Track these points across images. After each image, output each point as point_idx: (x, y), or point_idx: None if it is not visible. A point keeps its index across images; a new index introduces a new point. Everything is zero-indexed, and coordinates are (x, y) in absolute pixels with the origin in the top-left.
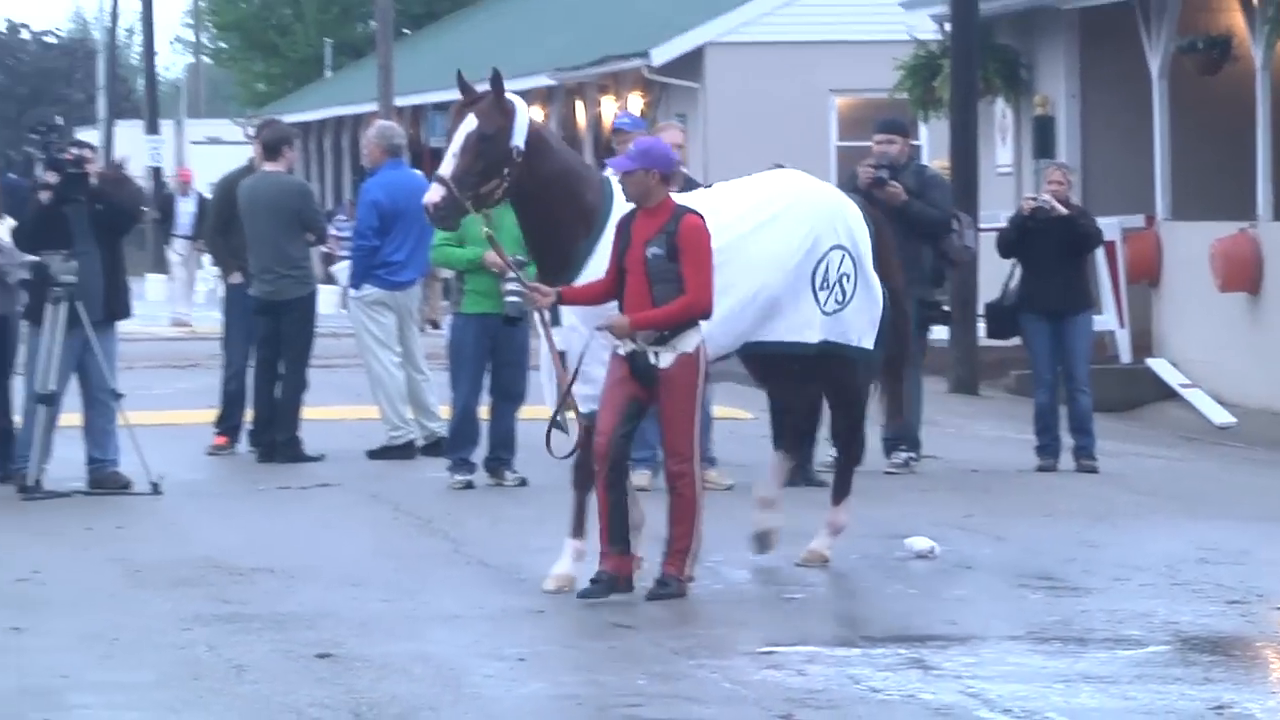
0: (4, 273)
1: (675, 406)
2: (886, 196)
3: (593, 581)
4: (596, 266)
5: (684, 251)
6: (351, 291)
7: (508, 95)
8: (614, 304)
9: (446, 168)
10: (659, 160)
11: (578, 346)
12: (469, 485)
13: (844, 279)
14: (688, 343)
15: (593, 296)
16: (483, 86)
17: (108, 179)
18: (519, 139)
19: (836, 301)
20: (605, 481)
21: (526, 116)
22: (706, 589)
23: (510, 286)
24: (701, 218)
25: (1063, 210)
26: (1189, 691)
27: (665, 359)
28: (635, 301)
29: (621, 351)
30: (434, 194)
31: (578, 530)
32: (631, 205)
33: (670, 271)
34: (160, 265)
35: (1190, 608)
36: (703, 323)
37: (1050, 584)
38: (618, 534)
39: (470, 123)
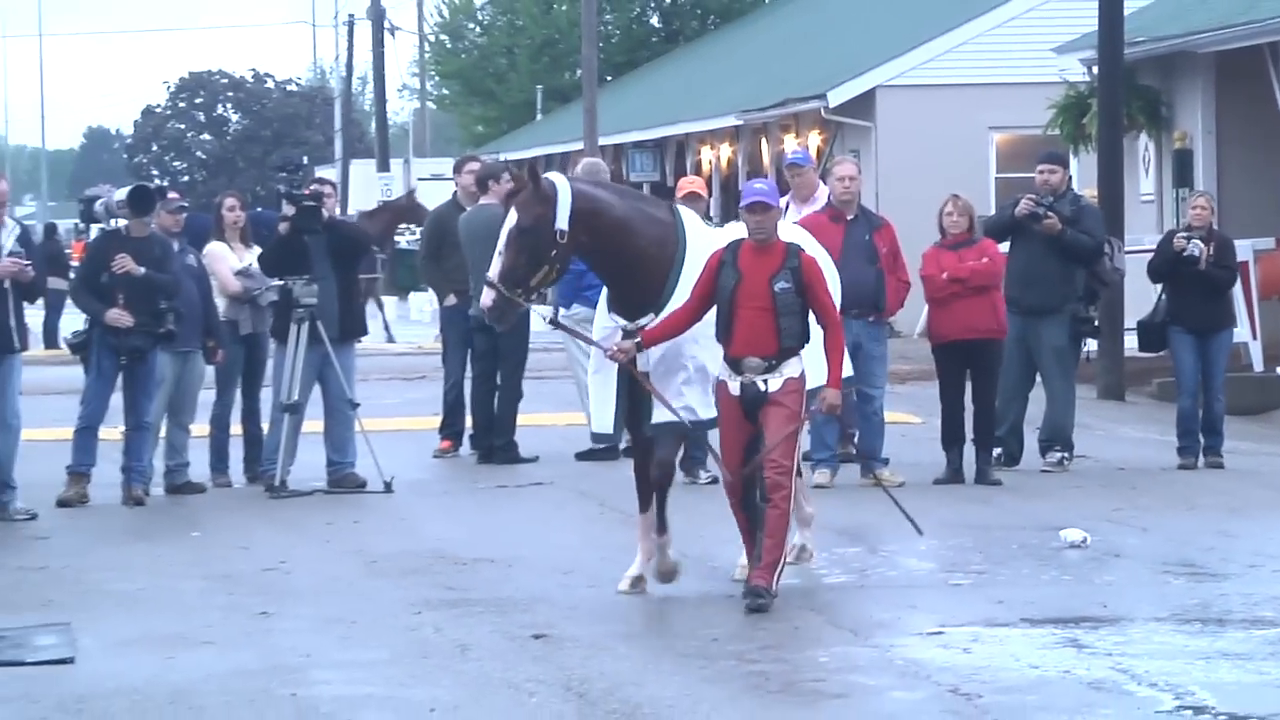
0: (254, 295)
1: (780, 422)
2: (1044, 229)
3: (755, 596)
4: (679, 299)
5: (813, 285)
6: (562, 311)
7: (546, 179)
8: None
9: (494, 268)
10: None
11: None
12: None
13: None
14: (793, 369)
15: (674, 330)
16: (675, 129)
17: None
18: (562, 222)
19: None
20: (743, 510)
21: (569, 194)
22: (881, 575)
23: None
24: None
25: (1202, 264)
26: None
27: (774, 384)
28: (756, 334)
29: (733, 388)
30: (486, 298)
31: (660, 528)
32: (727, 239)
33: (796, 304)
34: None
35: None
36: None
37: (1191, 570)
38: (761, 551)
39: (511, 218)
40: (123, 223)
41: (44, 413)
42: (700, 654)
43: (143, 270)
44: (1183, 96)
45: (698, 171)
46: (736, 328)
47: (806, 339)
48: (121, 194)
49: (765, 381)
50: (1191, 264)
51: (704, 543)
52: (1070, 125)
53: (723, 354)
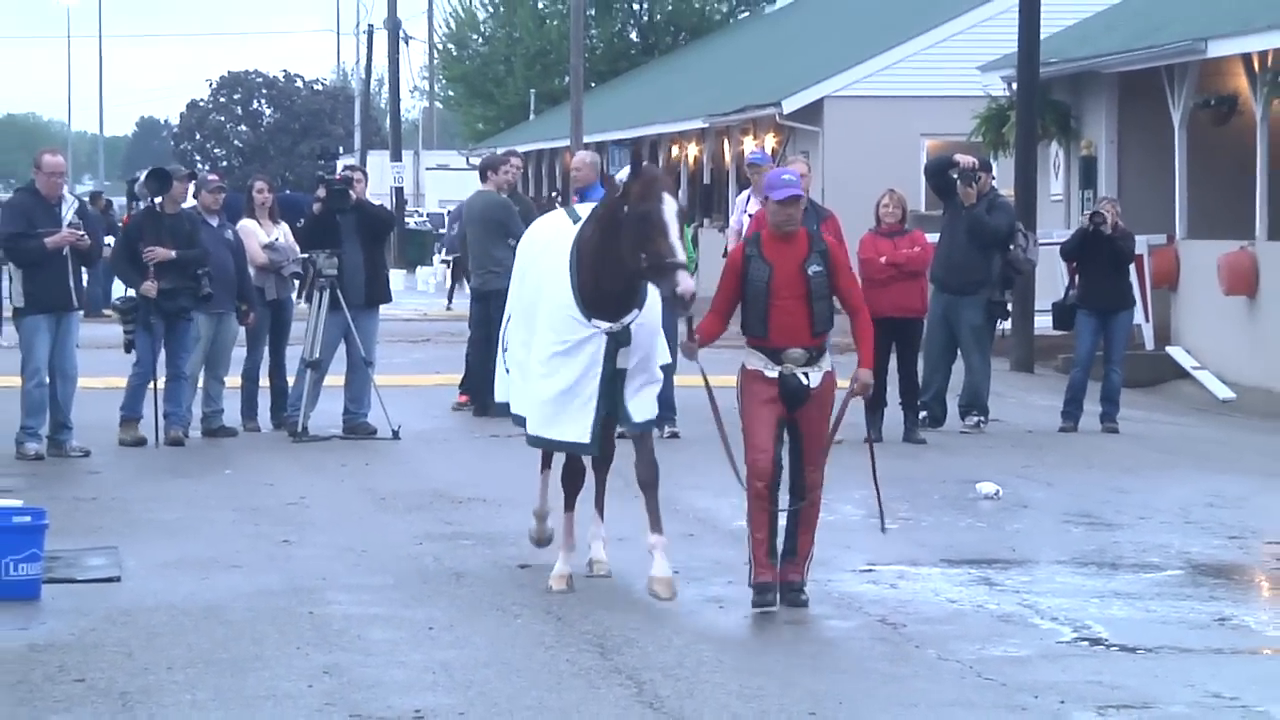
0: (280, 267)
1: (819, 419)
2: (965, 191)
3: (761, 592)
4: (655, 292)
5: (840, 270)
6: None
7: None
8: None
9: (680, 254)
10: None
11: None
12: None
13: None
14: (828, 361)
15: (720, 327)
16: (650, 130)
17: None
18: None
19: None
20: (766, 498)
21: None
22: (820, 521)
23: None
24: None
25: (1109, 228)
26: (1198, 606)
27: (815, 378)
28: (794, 323)
29: (771, 375)
30: (690, 283)
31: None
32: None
33: (827, 288)
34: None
35: (1199, 541)
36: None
37: (1089, 521)
38: (774, 548)
39: (672, 203)
40: (159, 200)
41: (97, 364)
42: (690, 576)
43: (173, 254)
44: (1089, 110)
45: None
46: (773, 318)
47: (832, 324)
48: (143, 175)
49: (807, 375)
50: (1099, 224)
51: (667, 489)
52: (991, 134)
53: (748, 342)
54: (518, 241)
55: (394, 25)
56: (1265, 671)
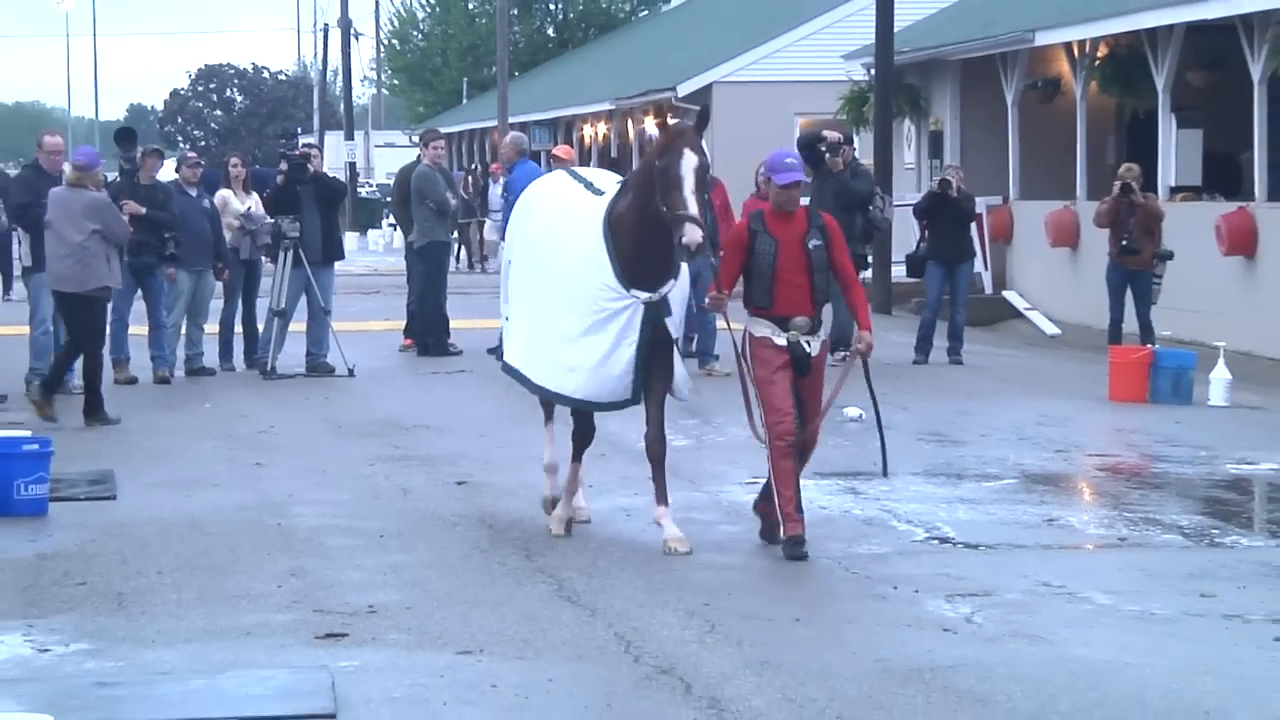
0: (251, 231)
1: (818, 382)
2: (832, 161)
3: (795, 545)
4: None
5: (837, 243)
6: (500, 242)
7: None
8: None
9: (693, 206)
10: None
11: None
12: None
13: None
14: (823, 330)
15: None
16: (566, 111)
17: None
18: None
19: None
20: (791, 456)
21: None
22: (712, 441)
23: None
24: None
25: (954, 191)
26: (1030, 509)
27: (815, 346)
28: (798, 292)
29: (780, 341)
30: (697, 234)
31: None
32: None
33: (826, 261)
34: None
35: (1031, 454)
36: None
37: (939, 438)
38: (800, 503)
39: (692, 158)
40: (135, 169)
41: None
42: (602, 489)
43: (144, 210)
44: (936, 92)
45: (581, 144)
46: (779, 289)
47: (828, 296)
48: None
49: (809, 343)
50: (946, 188)
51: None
52: (854, 112)
53: (751, 312)
54: (436, 204)
55: (346, 24)
56: (1086, 563)
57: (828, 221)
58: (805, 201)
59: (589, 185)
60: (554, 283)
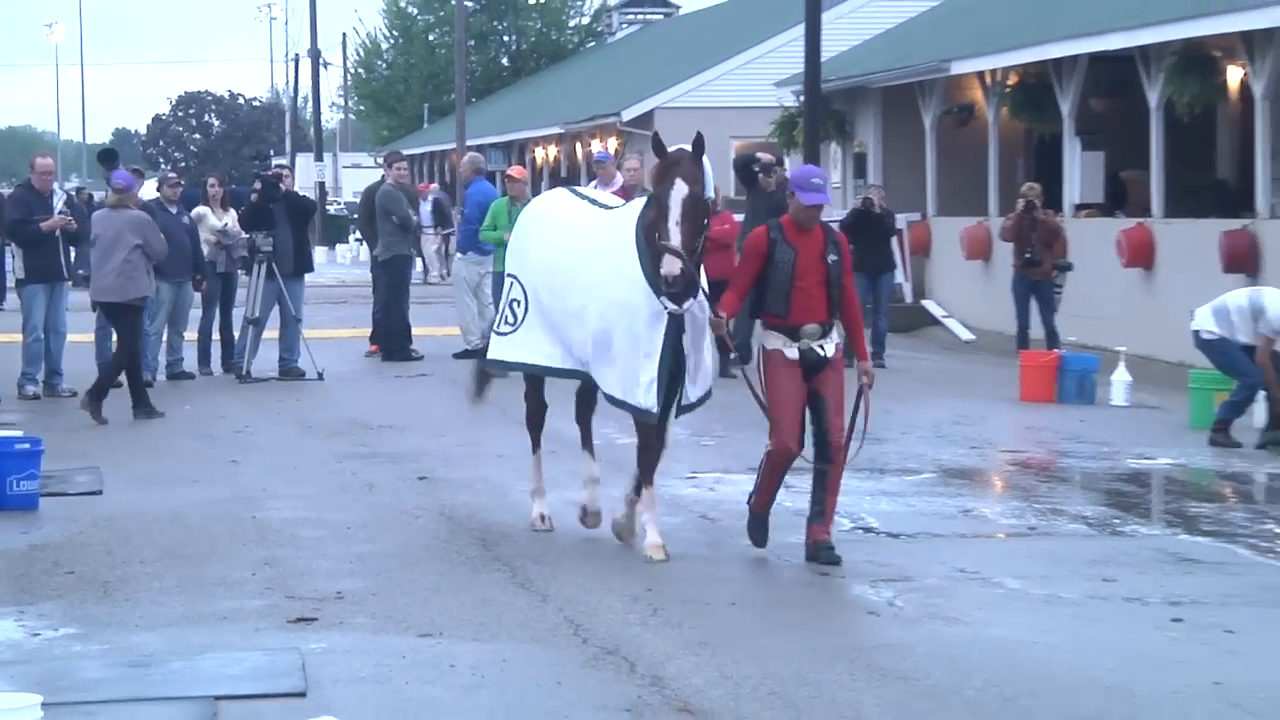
0: (231, 248)
1: (837, 386)
2: (765, 180)
3: (829, 549)
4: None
5: (846, 262)
6: (458, 255)
7: (691, 151)
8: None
9: (675, 237)
10: None
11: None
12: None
13: (513, 304)
14: (838, 333)
15: (739, 304)
16: (519, 135)
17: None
18: (709, 190)
19: (507, 324)
20: (779, 474)
21: (709, 167)
22: None
23: None
24: None
25: (876, 208)
26: (947, 501)
27: (829, 349)
28: (813, 303)
29: (791, 354)
30: (674, 266)
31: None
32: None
33: (840, 275)
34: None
35: (948, 451)
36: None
37: (865, 438)
38: (770, 508)
39: (681, 188)
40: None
41: (82, 323)
42: (553, 484)
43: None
44: (860, 117)
45: (533, 165)
46: (795, 299)
47: (840, 310)
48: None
49: (823, 347)
50: (869, 205)
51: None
52: (785, 136)
53: (763, 324)
54: (400, 220)
55: (315, 54)
56: (999, 551)
57: (839, 237)
58: (740, 218)
59: (594, 203)
60: (579, 293)
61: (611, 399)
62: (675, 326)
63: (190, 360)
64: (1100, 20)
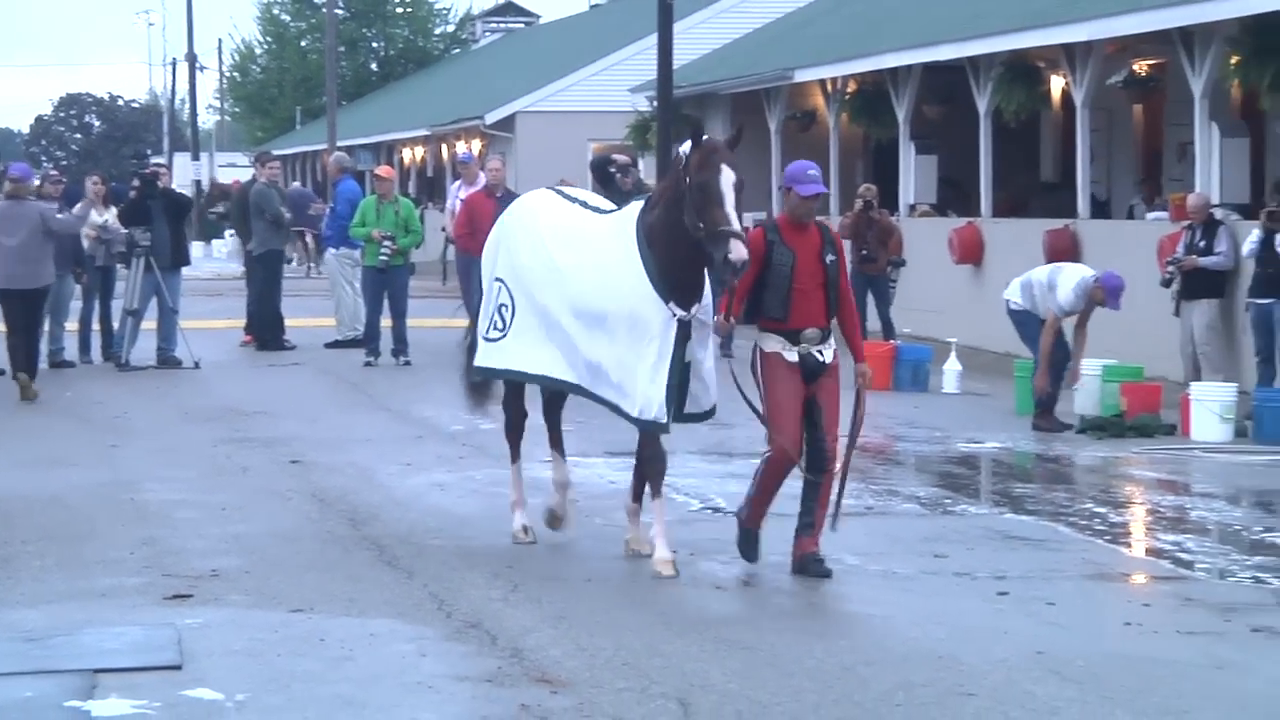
0: (111, 243)
1: (833, 388)
2: (622, 180)
3: (818, 562)
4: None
5: (842, 260)
6: (330, 250)
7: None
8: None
9: (736, 220)
10: None
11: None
12: (374, 364)
13: (501, 309)
14: (834, 340)
15: (739, 308)
16: (388, 136)
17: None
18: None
19: (496, 329)
20: (782, 479)
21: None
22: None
23: (384, 254)
24: None
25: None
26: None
27: (828, 355)
28: (812, 306)
29: (790, 357)
30: (743, 250)
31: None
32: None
33: (838, 275)
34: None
35: None
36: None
37: (713, 422)
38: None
39: (730, 174)
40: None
41: None
42: (399, 475)
43: None
44: (711, 121)
45: (401, 164)
46: (795, 301)
47: (838, 310)
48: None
49: (821, 352)
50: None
51: (402, 403)
52: (639, 139)
53: (759, 328)
54: (272, 217)
55: (192, 58)
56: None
57: (835, 235)
58: None
59: (585, 205)
60: (578, 300)
61: (619, 412)
62: (683, 333)
63: (71, 349)
64: (933, 32)
